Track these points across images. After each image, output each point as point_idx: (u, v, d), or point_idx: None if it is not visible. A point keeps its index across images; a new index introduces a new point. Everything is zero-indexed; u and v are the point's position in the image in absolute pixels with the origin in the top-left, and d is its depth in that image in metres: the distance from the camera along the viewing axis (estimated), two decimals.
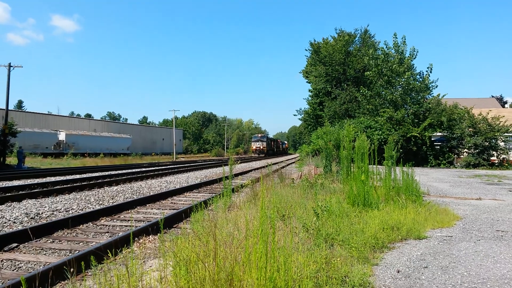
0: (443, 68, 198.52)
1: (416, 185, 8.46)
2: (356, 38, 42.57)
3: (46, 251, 5.31)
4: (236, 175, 18.32)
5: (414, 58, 28.34)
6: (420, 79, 28.37)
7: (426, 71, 28.19)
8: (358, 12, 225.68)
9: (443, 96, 28.22)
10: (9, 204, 9.25)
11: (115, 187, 13.13)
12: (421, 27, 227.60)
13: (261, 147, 68.97)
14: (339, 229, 5.05)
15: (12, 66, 30.06)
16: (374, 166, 8.67)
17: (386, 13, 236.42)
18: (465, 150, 27.47)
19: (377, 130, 28.05)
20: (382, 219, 5.91)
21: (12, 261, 4.80)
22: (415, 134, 26.11)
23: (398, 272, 3.95)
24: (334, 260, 3.84)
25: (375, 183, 8.30)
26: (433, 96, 28.55)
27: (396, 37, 28.64)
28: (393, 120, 27.98)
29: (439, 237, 5.50)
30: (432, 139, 27.83)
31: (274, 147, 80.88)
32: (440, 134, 28.45)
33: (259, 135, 75.09)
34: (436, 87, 28.68)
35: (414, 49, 28.34)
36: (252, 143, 71.71)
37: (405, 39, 28.49)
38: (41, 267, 4.36)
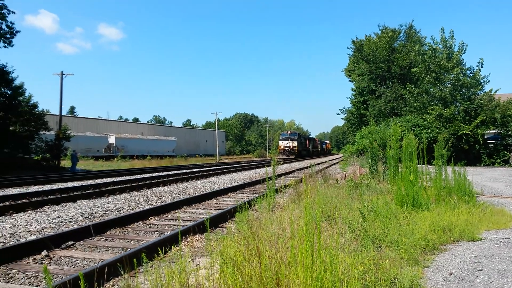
0: (496, 62, 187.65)
1: (469, 185, 8.07)
2: (401, 34, 41.22)
3: (100, 249, 5.58)
4: (279, 175, 18.32)
5: (464, 53, 27.09)
6: (471, 75, 27.03)
7: (477, 66, 26.85)
8: (401, 8, 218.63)
9: (496, 91, 26.73)
10: (64, 204, 9.81)
11: (163, 188, 13.56)
12: (469, 20, 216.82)
13: (291, 147, 54.95)
14: (387, 230, 4.92)
15: (64, 74, 31.88)
16: (423, 165, 8.36)
17: (432, 7, 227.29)
18: None
19: (426, 128, 27.01)
20: (432, 220, 5.69)
21: (69, 258, 5.09)
22: (467, 132, 24.90)
23: (451, 274, 3.78)
24: (382, 262, 3.75)
25: (425, 183, 8.00)
26: (485, 92, 27.10)
27: (443, 32, 27.52)
28: (443, 117, 26.82)
29: (494, 239, 5.21)
30: (485, 136, 26.39)
31: (310, 147, 67.00)
32: (493, 131, 26.95)
33: (289, 131, 59.62)
34: (488, 82, 27.23)
35: (463, 43, 27.10)
36: (280, 142, 57.19)
37: (453, 33, 27.31)
38: (96, 264, 4.59)
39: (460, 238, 5.18)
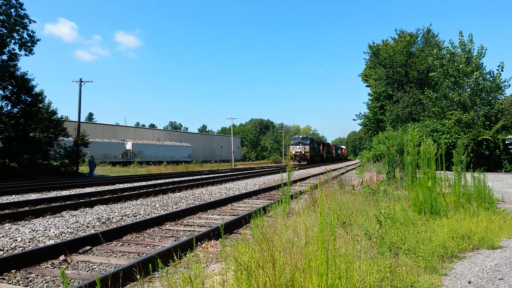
0: None
1: (489, 191, 7.88)
2: (418, 38, 40.80)
3: (116, 254, 5.64)
4: (295, 181, 18.23)
5: (483, 57, 26.55)
6: (491, 79, 26.50)
7: (497, 69, 26.29)
8: (419, 12, 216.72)
9: None
10: (82, 209, 9.95)
11: (178, 194, 13.65)
12: (488, 23, 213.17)
13: (303, 152, 51.62)
14: (404, 237, 4.83)
15: (83, 81, 32.51)
16: (442, 171, 8.21)
17: (450, 11, 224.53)
18: None
19: (444, 133, 26.56)
20: (451, 227, 5.57)
21: (86, 263, 5.15)
22: (487, 137, 24.36)
23: (470, 283, 3.69)
24: (399, 269, 3.68)
25: (443, 189, 7.85)
26: (506, 96, 26.52)
27: (462, 35, 27.07)
28: (462, 122, 26.34)
29: None
30: (506, 142, 25.76)
31: (324, 152, 64.15)
32: None
33: (300, 136, 56.31)
34: (509, 86, 26.68)
35: (482, 47, 26.58)
36: (291, 146, 53.93)
37: (472, 37, 26.85)
38: (112, 269, 4.63)
39: (479, 246, 5.05)
